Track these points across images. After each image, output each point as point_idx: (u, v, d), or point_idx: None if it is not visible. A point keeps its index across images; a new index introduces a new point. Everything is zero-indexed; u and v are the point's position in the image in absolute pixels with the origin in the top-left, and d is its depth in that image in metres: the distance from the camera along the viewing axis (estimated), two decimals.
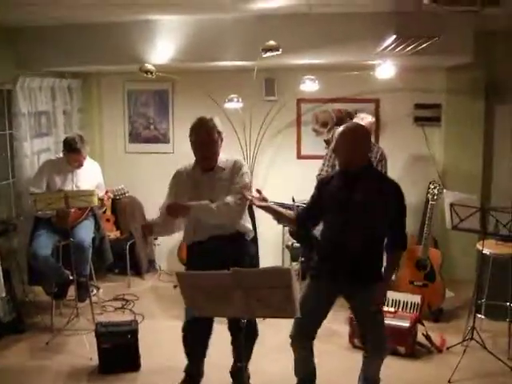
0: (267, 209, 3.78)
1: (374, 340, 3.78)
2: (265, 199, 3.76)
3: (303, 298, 3.70)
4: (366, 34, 5.14)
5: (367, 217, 3.55)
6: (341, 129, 3.67)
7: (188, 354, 4.13)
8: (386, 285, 3.70)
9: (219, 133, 3.90)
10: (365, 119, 5.67)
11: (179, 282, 3.06)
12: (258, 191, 3.77)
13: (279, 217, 3.87)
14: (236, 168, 3.97)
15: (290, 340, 3.81)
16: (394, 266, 3.85)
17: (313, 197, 3.87)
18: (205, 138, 3.86)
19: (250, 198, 3.75)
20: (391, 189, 3.62)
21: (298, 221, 3.86)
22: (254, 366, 4.03)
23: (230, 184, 3.92)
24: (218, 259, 3.60)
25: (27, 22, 5.56)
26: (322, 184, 3.83)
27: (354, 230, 3.56)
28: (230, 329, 3.95)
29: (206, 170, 3.96)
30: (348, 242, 3.57)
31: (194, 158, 4.00)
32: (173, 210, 3.79)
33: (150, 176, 6.66)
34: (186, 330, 4.03)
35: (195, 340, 4.07)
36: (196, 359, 4.16)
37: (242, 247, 4.01)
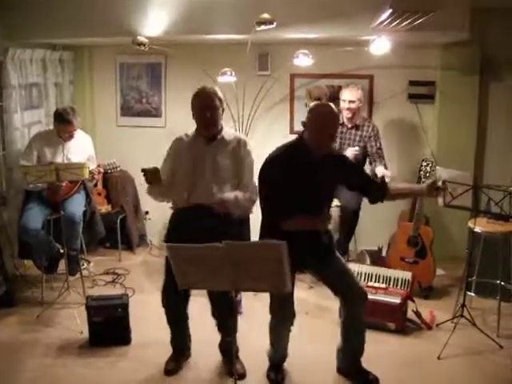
0: None
1: (351, 285, 3.79)
2: None
3: None
4: (362, 8, 5.09)
5: (330, 194, 3.72)
6: (309, 113, 3.61)
7: (170, 325, 4.20)
8: None
9: (220, 100, 3.89)
10: (353, 90, 5.72)
11: (170, 254, 3.05)
12: None
13: None
14: (242, 149, 3.94)
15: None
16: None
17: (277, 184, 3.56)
18: (208, 101, 3.83)
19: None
20: (340, 160, 3.77)
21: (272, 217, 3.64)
22: (242, 340, 4.04)
23: (237, 166, 3.91)
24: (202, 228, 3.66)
25: None
26: (284, 166, 3.56)
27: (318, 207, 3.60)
28: (210, 299, 4.02)
29: (209, 141, 3.93)
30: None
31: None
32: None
33: (142, 150, 6.61)
34: (164, 300, 4.11)
35: (173, 311, 4.14)
36: (178, 331, 4.23)
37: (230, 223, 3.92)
